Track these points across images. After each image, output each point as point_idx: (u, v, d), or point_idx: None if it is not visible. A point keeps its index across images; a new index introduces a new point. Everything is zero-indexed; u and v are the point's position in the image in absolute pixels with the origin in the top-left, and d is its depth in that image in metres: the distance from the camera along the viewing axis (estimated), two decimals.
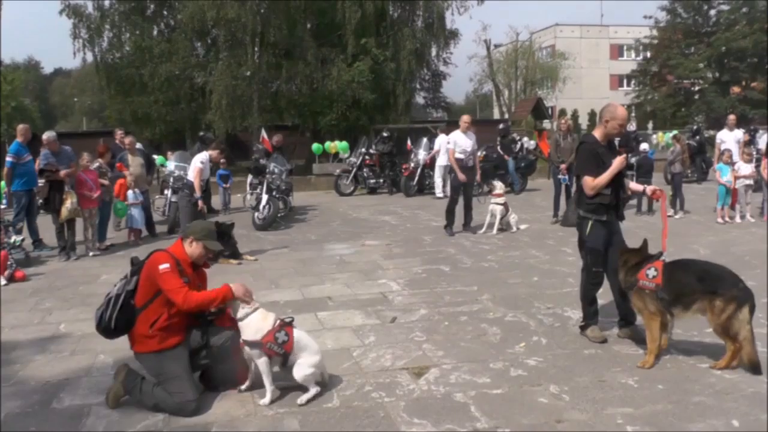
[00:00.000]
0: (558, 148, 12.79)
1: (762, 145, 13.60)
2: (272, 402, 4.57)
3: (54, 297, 7.98)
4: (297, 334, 4.70)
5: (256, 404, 4.59)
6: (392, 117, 27.44)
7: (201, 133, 16.87)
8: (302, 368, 4.60)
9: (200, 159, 9.98)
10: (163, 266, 4.51)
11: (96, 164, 11.20)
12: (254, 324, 4.61)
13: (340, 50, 26.49)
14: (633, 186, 6.07)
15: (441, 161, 17.65)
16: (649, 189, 5.93)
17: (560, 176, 12.69)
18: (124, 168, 12.28)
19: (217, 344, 4.69)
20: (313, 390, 4.61)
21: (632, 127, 20.08)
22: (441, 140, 17.83)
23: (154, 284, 4.53)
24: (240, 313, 4.63)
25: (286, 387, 4.71)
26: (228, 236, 9.56)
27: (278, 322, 4.67)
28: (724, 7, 43.77)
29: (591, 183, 5.57)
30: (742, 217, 12.40)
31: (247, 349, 4.60)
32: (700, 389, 4.65)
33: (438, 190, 17.90)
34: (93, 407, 4.62)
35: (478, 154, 15.88)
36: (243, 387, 4.78)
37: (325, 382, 4.79)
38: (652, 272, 5.08)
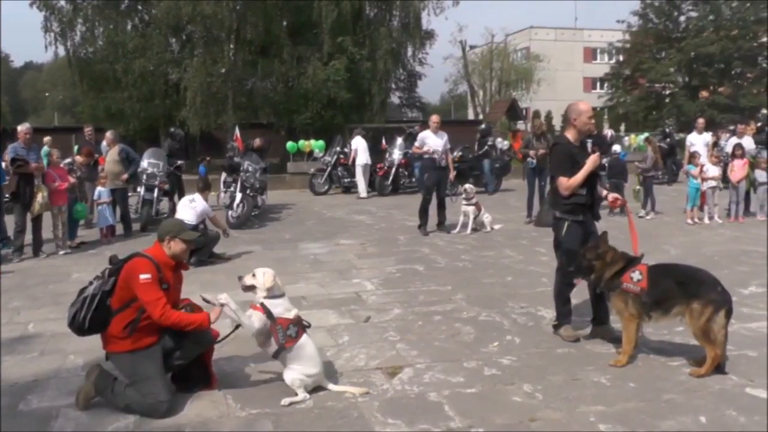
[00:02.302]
0: (530, 146, 12.93)
1: (729, 149, 13.78)
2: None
3: (23, 296, 7.84)
4: (305, 340, 4.71)
5: (228, 405, 4.55)
6: (367, 116, 27.46)
7: (171, 129, 16.76)
8: (293, 373, 4.61)
9: (206, 207, 9.80)
10: (144, 276, 4.42)
11: (67, 160, 11.05)
12: (282, 307, 4.70)
13: (316, 49, 26.46)
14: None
15: (360, 161, 18.19)
16: (610, 196, 6.01)
17: (529, 159, 12.82)
18: (104, 162, 12.20)
19: (192, 345, 4.64)
20: (301, 395, 4.59)
21: (611, 134, 20.34)
22: (357, 141, 18.37)
23: (132, 290, 4.44)
24: (278, 292, 4.76)
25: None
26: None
27: (297, 318, 4.73)
28: (693, 14, 44.50)
29: (566, 183, 5.61)
30: (710, 218, 12.59)
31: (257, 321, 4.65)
32: (670, 387, 4.71)
33: (362, 192, 18.17)
34: (62, 409, 4.54)
35: (456, 154, 15.99)
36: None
37: (325, 387, 4.78)
38: (636, 276, 5.11)
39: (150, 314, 4.41)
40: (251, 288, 4.77)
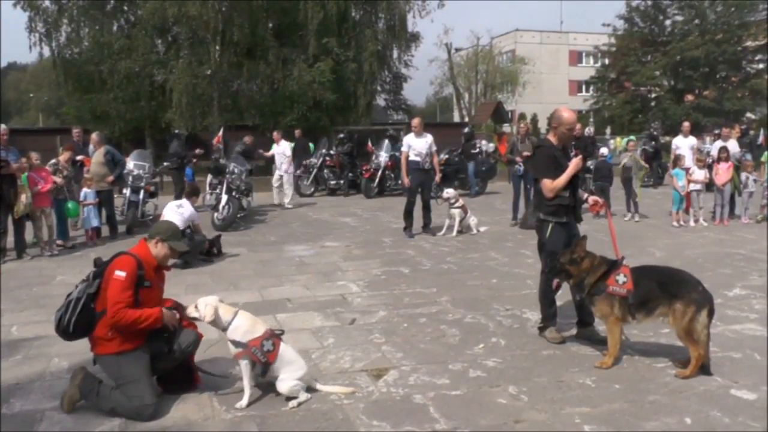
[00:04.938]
0: (515, 151, 12.94)
1: (714, 152, 13.89)
2: (249, 404, 4.54)
3: (6, 298, 7.73)
4: (283, 347, 4.68)
5: (213, 408, 4.54)
6: (353, 118, 27.48)
7: (176, 131, 16.90)
8: (286, 383, 4.57)
9: (193, 212, 9.81)
10: (118, 273, 4.41)
11: (52, 161, 10.99)
12: (243, 327, 4.61)
13: (302, 50, 26.47)
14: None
15: (291, 168, 17.02)
16: (591, 199, 6.04)
17: (517, 166, 12.84)
18: (90, 163, 12.16)
19: (180, 348, 4.62)
20: (303, 396, 4.59)
21: (590, 131, 20.37)
22: (283, 146, 17.00)
23: None
24: (224, 323, 4.63)
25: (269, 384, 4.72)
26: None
27: (268, 331, 4.67)
28: (679, 18, 44.82)
29: (550, 185, 5.64)
30: (696, 221, 12.67)
31: (232, 348, 4.60)
32: (655, 388, 4.73)
33: (287, 200, 16.67)
34: (46, 412, 4.51)
35: (442, 157, 15.98)
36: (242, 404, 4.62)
37: (313, 387, 4.77)
38: (621, 278, 5.14)
39: (107, 312, 4.39)
40: (195, 319, 4.71)
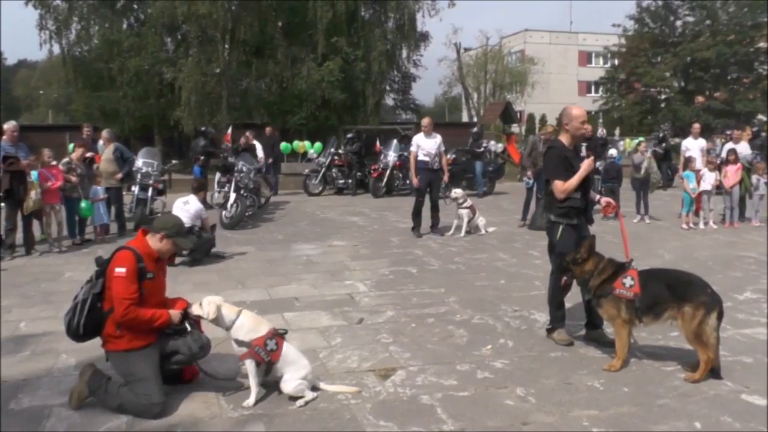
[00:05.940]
0: (534, 152, 12.74)
1: (724, 154, 13.80)
2: (256, 403, 4.53)
3: (13, 294, 7.76)
4: (287, 347, 4.67)
5: (221, 406, 4.53)
6: (361, 118, 27.47)
7: (202, 128, 17.08)
8: (291, 383, 4.56)
9: (200, 208, 9.81)
10: (119, 270, 4.40)
11: (65, 160, 11.03)
12: (247, 326, 4.63)
13: (311, 50, 26.49)
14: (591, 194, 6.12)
15: (263, 167, 16.59)
16: (603, 201, 6.01)
17: (525, 179, 12.83)
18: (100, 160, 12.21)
19: (193, 352, 4.64)
20: (310, 395, 4.58)
21: (602, 132, 20.32)
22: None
23: None
24: (228, 323, 4.63)
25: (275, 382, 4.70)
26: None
27: (271, 331, 4.66)
28: (690, 19, 44.63)
29: (561, 187, 5.61)
30: (705, 223, 12.61)
31: (236, 348, 4.60)
32: (664, 392, 4.70)
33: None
34: (54, 408, 4.51)
35: (448, 157, 15.95)
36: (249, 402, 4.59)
37: (317, 386, 4.75)
38: (629, 281, 5.11)
39: (115, 311, 4.40)
40: (199, 317, 4.71)
